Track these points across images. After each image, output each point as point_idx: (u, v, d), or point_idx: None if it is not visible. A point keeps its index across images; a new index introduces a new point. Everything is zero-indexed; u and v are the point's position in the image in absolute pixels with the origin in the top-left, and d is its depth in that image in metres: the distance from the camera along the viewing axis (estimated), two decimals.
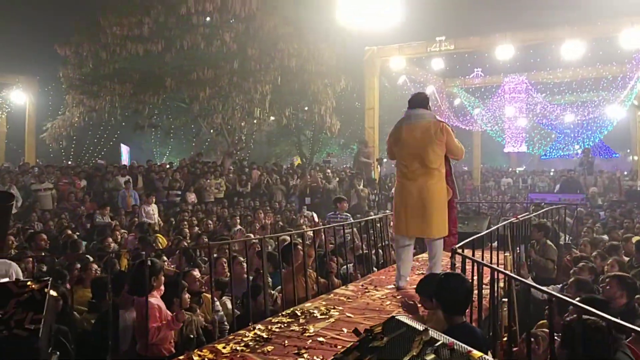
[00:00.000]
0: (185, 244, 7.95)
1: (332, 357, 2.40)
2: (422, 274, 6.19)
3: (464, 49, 18.95)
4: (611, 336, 2.51)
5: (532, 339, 3.38)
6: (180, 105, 20.39)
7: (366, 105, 19.31)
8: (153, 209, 11.53)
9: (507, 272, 4.54)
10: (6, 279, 4.09)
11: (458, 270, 4.75)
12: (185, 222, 10.19)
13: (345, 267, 6.77)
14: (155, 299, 4.45)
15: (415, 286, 4.60)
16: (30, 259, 5.95)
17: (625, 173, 23.50)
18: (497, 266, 5.59)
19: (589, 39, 17.01)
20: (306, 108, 21.47)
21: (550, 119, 25.23)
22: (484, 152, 30.16)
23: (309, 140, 27.54)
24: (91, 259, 6.09)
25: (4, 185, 12.90)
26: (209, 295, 5.37)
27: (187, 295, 4.92)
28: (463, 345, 2.01)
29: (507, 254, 5.69)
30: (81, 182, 14.69)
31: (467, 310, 4.52)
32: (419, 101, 5.79)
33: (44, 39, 18.86)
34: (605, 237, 9.37)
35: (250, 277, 5.59)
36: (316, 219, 7.37)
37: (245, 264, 5.83)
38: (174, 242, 8.12)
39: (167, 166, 17.74)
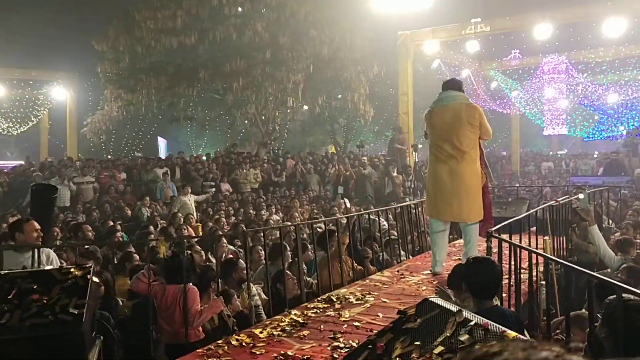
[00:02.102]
0: (221, 233, 8.09)
1: (366, 339, 2.41)
2: (459, 259, 6.14)
3: (500, 30, 18.45)
4: None
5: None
6: (215, 96, 20.66)
7: (400, 91, 19.00)
8: (189, 199, 11.71)
9: (545, 254, 4.43)
10: (50, 267, 4.25)
11: (494, 254, 4.69)
12: (222, 212, 10.30)
13: (380, 254, 6.75)
14: (192, 286, 4.55)
15: (449, 271, 4.57)
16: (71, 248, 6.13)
17: None
18: (537, 250, 5.63)
19: (632, 15, 16.34)
20: (339, 96, 21.44)
21: (592, 100, 24.31)
22: (523, 135, 29.35)
23: (343, 129, 27.39)
24: (132, 249, 6.27)
25: (61, 177, 13.36)
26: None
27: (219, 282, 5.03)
28: (497, 325, 1.99)
29: (546, 237, 5.57)
30: (121, 174, 15.06)
31: (505, 295, 4.49)
32: (452, 84, 5.74)
33: (82, 35, 19.37)
34: None
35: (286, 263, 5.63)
36: (348, 205, 7.33)
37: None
38: (210, 231, 8.26)
39: (204, 157, 18.00)
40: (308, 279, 5.90)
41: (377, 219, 7.22)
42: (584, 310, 3.80)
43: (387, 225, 7.84)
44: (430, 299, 2.39)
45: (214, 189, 14.33)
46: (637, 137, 21.48)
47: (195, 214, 11.05)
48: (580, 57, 22.62)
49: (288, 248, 5.86)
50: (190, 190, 12.01)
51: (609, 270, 5.70)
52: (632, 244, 6.13)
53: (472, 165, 5.58)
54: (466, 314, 2.13)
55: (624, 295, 2.45)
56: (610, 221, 9.81)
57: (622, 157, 19.28)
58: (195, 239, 7.05)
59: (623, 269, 5.09)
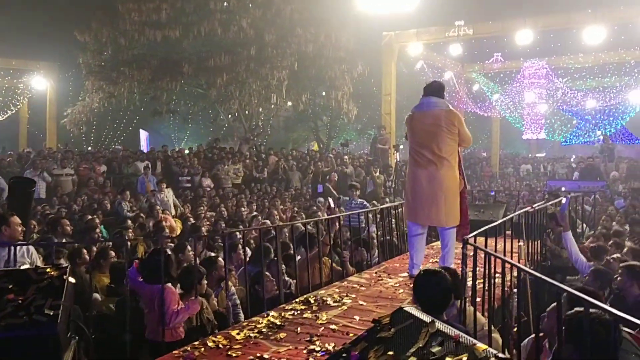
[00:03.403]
0: (203, 229, 8.07)
1: (341, 347, 2.45)
2: (436, 262, 6.23)
3: (483, 33, 18.68)
4: (617, 330, 2.49)
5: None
6: (198, 91, 20.53)
7: (383, 91, 19.14)
8: (167, 195, 11.58)
9: (516, 263, 4.51)
10: (26, 266, 4.22)
11: (470, 260, 4.76)
12: (203, 208, 10.26)
13: (359, 255, 6.80)
14: (169, 286, 4.54)
15: None
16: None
17: None
18: (511, 255, 5.73)
19: (611, 24, 16.64)
20: (323, 94, 21.51)
21: (571, 105, 24.76)
22: (503, 138, 29.78)
23: (326, 126, 27.50)
24: (110, 245, 6.24)
25: (35, 169, 13.17)
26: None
27: (204, 282, 5.03)
28: (468, 337, 2.04)
29: (521, 243, 5.67)
30: (101, 167, 14.90)
31: (479, 299, 4.56)
32: (433, 89, 5.77)
33: (64, 25, 19.02)
34: (627, 227, 9.20)
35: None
36: (332, 205, 7.38)
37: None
38: (190, 228, 8.23)
39: (186, 151, 17.90)
40: (287, 279, 5.94)
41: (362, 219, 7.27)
42: None
43: (367, 226, 7.90)
44: (404, 309, 2.43)
45: (189, 185, 14.18)
46: (612, 142, 21.92)
47: (172, 210, 10.97)
48: (561, 63, 23.11)
49: (271, 249, 5.84)
50: (165, 186, 11.86)
51: (579, 276, 5.84)
52: (605, 251, 6.27)
53: (450, 171, 5.66)
54: (439, 325, 2.18)
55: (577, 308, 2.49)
56: (585, 225, 10.00)
57: (599, 162, 19.65)
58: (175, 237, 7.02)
59: (590, 272, 5.24)
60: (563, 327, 2.66)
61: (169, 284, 4.56)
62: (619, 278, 4.63)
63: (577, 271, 6.43)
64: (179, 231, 8.80)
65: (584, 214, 10.48)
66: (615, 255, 5.56)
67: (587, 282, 5.24)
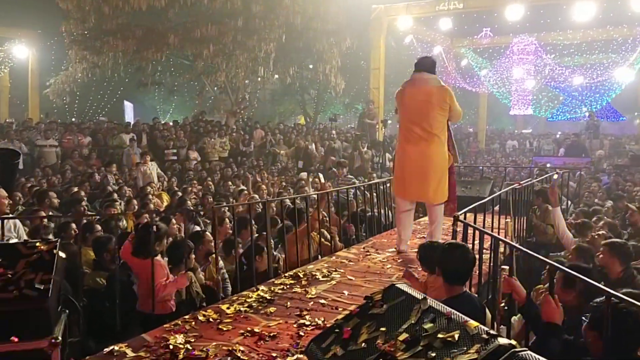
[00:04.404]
0: (190, 202, 8.03)
1: (334, 321, 2.47)
2: (423, 237, 6.28)
3: (473, 8, 18.55)
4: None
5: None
6: (184, 62, 20.23)
7: (372, 65, 19.05)
8: (150, 167, 11.41)
9: (507, 240, 4.58)
10: (15, 240, 4.18)
11: (459, 236, 4.82)
12: (189, 181, 10.16)
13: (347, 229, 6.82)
14: (159, 259, 4.54)
15: (416, 250, 4.68)
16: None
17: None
18: (498, 231, 5.73)
19: (600, 0, 16.62)
20: (311, 67, 21.30)
21: (559, 81, 24.77)
22: (490, 114, 29.78)
23: (313, 100, 27.33)
24: (97, 218, 6.19)
25: (9, 139, 12.94)
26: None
27: (193, 256, 5.04)
28: (460, 314, 2.07)
29: (507, 220, 5.73)
30: (85, 139, 14.70)
31: None
32: (425, 65, 5.73)
33: None
34: (609, 203, 9.35)
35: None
36: (322, 180, 7.36)
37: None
38: (177, 201, 8.18)
39: (171, 124, 17.69)
40: (275, 253, 5.95)
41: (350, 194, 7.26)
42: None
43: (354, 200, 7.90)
44: (396, 285, 2.45)
45: (175, 157, 14.04)
46: (598, 119, 22.10)
47: (156, 182, 10.82)
48: (549, 39, 23.10)
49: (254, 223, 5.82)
50: (149, 158, 11.68)
51: (564, 252, 5.92)
52: (590, 227, 6.36)
53: (441, 147, 5.67)
54: (430, 302, 2.21)
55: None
56: (569, 202, 10.13)
57: (584, 139, 19.82)
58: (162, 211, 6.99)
59: (573, 249, 5.30)
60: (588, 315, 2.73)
61: (158, 257, 4.56)
62: (600, 255, 4.68)
63: (560, 247, 6.53)
64: (165, 204, 8.74)
65: (568, 191, 10.61)
66: (600, 232, 5.63)
67: (570, 258, 5.31)
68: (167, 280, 4.49)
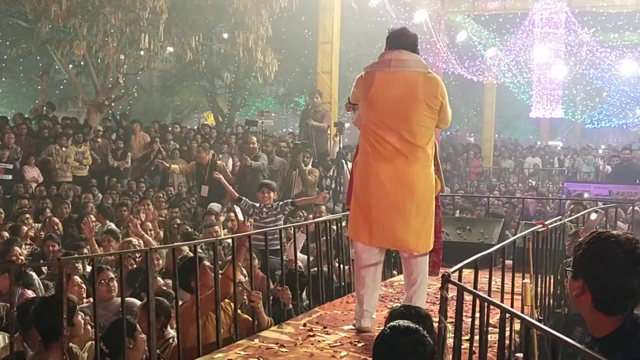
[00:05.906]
0: (20, 251, 5.78)
1: None
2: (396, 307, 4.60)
3: None
4: None
5: None
6: (19, 23, 15.36)
7: (320, 38, 14.07)
8: None
9: (523, 315, 3.26)
10: None
11: (452, 303, 3.59)
12: (26, 216, 7.53)
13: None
14: None
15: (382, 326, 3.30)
16: None
17: None
18: (512, 297, 4.42)
19: None
20: (225, 36, 17.24)
21: (601, 69, 19.05)
22: (499, 115, 23.19)
23: (229, 88, 20.45)
24: None
25: None
26: None
27: None
28: None
29: (526, 280, 4.37)
30: None
31: None
32: (404, 40, 4.26)
33: None
34: None
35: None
36: (241, 217, 5.42)
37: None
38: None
39: None
40: (169, 332, 4.33)
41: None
42: None
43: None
44: None
45: (10, 176, 10.41)
46: None
47: None
48: (587, 5, 17.67)
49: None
50: None
51: None
52: None
53: (426, 167, 4.22)
54: None
55: None
56: None
57: (639, 156, 15.75)
58: None
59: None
60: None
61: None
62: None
63: None
64: None
65: None
66: None
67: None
68: None
